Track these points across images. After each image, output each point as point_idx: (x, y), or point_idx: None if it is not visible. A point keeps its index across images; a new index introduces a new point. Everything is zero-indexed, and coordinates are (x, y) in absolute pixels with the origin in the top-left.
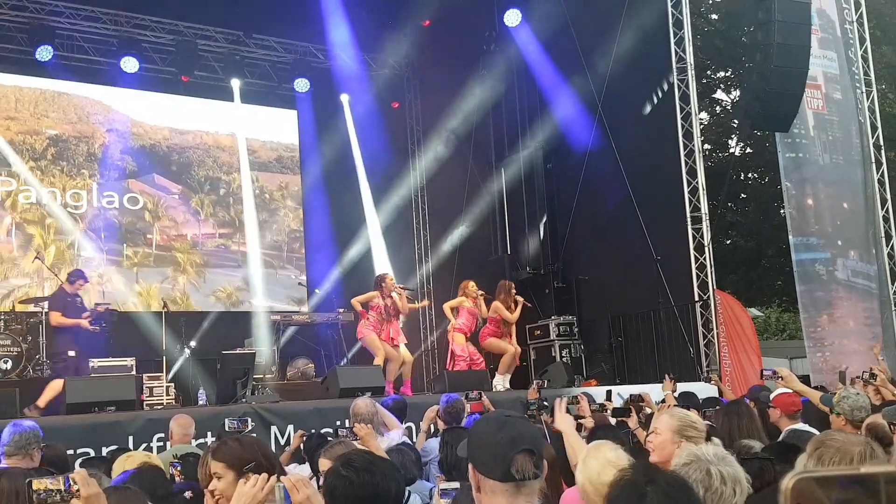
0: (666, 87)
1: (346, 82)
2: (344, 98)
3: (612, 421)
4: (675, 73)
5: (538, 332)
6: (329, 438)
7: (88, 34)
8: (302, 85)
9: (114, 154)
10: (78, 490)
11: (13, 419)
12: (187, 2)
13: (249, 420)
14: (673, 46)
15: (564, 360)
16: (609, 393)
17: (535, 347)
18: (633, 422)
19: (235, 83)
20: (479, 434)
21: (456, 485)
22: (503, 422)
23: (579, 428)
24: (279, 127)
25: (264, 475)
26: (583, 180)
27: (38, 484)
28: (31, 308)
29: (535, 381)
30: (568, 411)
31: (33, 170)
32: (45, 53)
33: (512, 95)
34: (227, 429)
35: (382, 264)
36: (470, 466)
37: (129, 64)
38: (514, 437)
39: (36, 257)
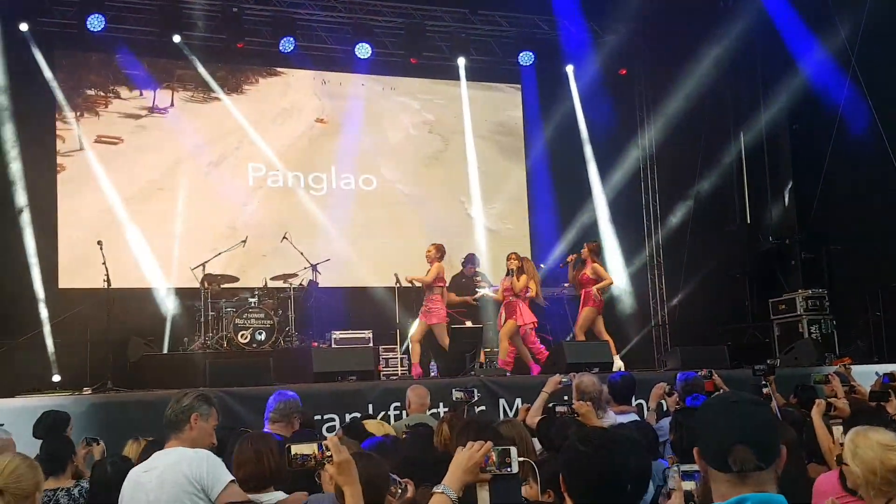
0: None
1: (571, 52)
2: (569, 69)
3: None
4: None
5: (783, 306)
6: (557, 412)
7: (326, 23)
8: (526, 58)
9: (348, 137)
10: (331, 456)
11: (268, 385)
12: None
13: (476, 390)
14: None
15: (814, 336)
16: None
17: (779, 323)
18: (893, 406)
19: (461, 61)
20: (703, 418)
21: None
22: (726, 407)
23: (830, 409)
24: (503, 102)
25: (480, 441)
26: (834, 141)
27: (296, 449)
28: (280, 284)
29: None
30: (816, 393)
31: (280, 155)
32: (287, 45)
33: (751, 54)
34: (454, 399)
35: (609, 238)
36: (696, 451)
37: (363, 50)
38: (735, 426)
39: (284, 237)
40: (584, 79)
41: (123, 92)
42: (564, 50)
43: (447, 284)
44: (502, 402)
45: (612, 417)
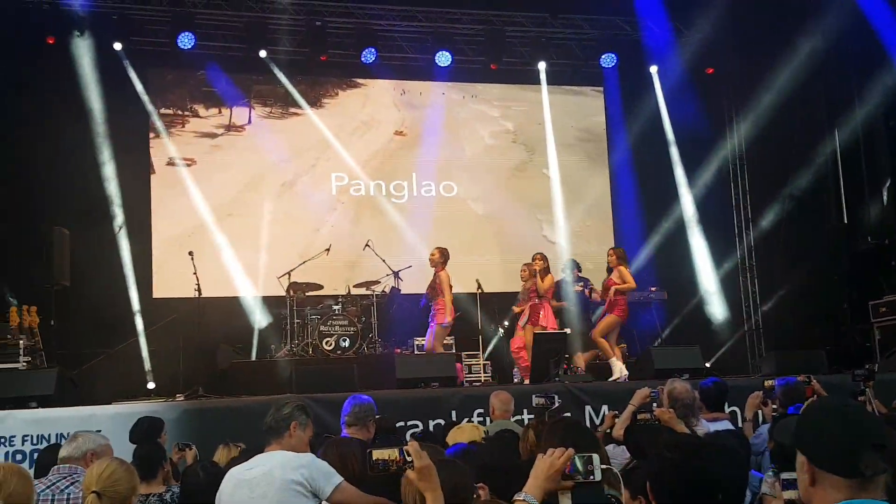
0: None
1: (654, 52)
2: (653, 69)
3: None
4: None
5: (883, 308)
6: (639, 419)
7: (406, 33)
8: (608, 60)
9: (428, 147)
10: (412, 461)
11: (351, 391)
12: None
13: (556, 396)
14: None
15: None
16: None
17: (879, 326)
18: None
19: (541, 65)
20: (816, 424)
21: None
22: (844, 412)
23: None
24: (585, 105)
25: (561, 448)
26: None
27: (378, 454)
28: (363, 291)
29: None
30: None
31: (362, 165)
32: (369, 56)
33: (843, 49)
34: (534, 404)
35: (697, 241)
36: (801, 458)
37: (443, 58)
38: (861, 431)
39: (366, 245)
40: (668, 79)
41: (209, 108)
42: (648, 50)
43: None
44: (588, 409)
45: (704, 425)
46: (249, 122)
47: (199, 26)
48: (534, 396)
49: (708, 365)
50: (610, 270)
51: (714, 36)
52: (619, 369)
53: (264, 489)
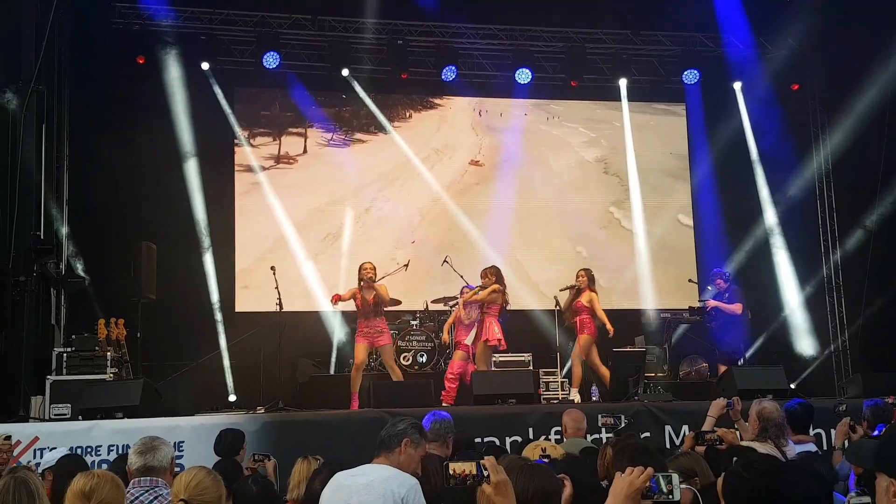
0: None
1: (738, 69)
2: (736, 85)
3: None
4: None
5: None
6: (706, 438)
7: (487, 51)
8: (691, 76)
9: (506, 170)
10: (488, 476)
11: (429, 407)
12: (577, 8)
13: (623, 416)
14: None
15: None
16: None
17: None
18: None
19: (622, 82)
20: None
21: (867, 499)
22: None
23: None
24: (667, 122)
25: (640, 467)
26: None
27: (455, 467)
28: (441, 307)
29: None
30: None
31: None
32: (449, 74)
33: None
34: (600, 424)
35: (782, 259)
36: (883, 481)
37: (523, 75)
38: None
39: (444, 261)
40: (752, 95)
41: (292, 126)
42: (731, 66)
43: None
44: (668, 428)
45: (792, 447)
46: (331, 140)
47: (284, 45)
48: (600, 416)
49: (793, 386)
50: (578, 291)
51: (800, 51)
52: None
53: (363, 498)
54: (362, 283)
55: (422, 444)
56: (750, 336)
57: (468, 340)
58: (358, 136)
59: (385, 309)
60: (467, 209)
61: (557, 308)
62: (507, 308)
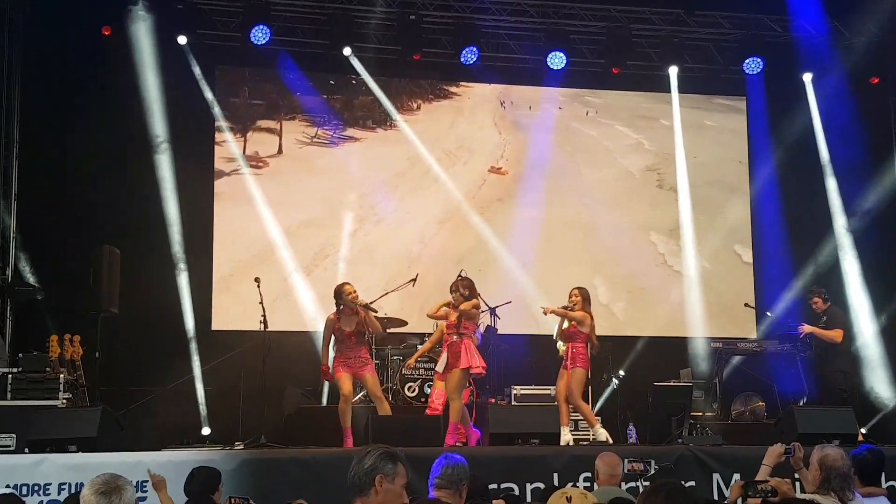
0: None
1: (808, 58)
2: (806, 77)
3: None
4: None
5: None
6: (759, 489)
7: (514, 30)
8: (753, 65)
9: (533, 173)
10: None
11: (438, 446)
12: None
13: (652, 462)
14: None
15: None
16: None
17: None
18: None
19: (673, 70)
20: None
21: None
22: None
23: None
24: (724, 118)
25: None
26: None
27: None
28: None
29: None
30: None
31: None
32: (470, 56)
33: None
34: (626, 470)
35: (854, 281)
36: None
37: (557, 59)
38: None
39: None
40: (825, 89)
41: (283, 112)
42: (800, 55)
43: None
44: (716, 477)
45: (859, 499)
46: (328, 131)
47: (276, 19)
48: (626, 461)
49: (863, 431)
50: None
51: (881, 40)
52: (605, 435)
53: None
54: (342, 309)
55: (398, 473)
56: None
57: (439, 367)
58: (356, 130)
59: (386, 332)
60: (486, 222)
61: None
62: (489, 329)
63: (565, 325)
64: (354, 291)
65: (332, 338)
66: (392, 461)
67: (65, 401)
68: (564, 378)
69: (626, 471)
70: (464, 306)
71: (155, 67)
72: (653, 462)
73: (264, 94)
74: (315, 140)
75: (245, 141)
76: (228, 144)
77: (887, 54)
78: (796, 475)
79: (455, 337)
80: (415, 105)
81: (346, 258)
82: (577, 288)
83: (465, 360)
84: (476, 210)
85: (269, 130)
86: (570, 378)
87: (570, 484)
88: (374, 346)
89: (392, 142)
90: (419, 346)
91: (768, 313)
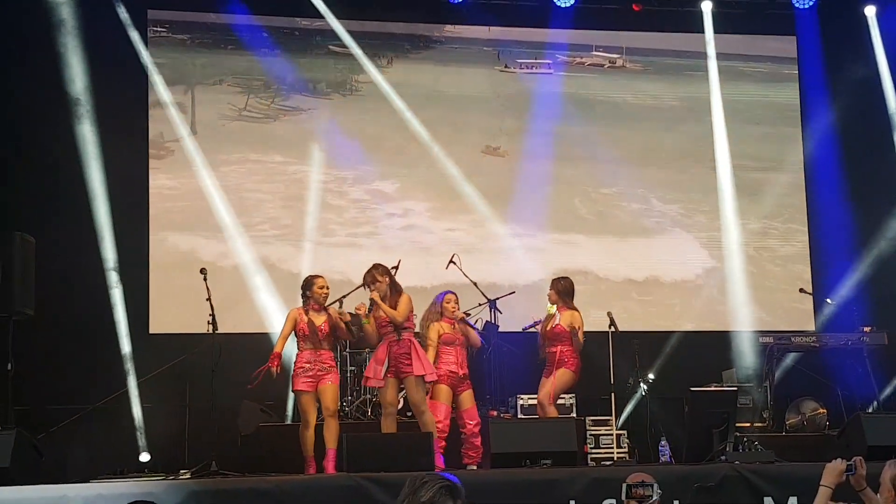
0: None
1: None
2: (869, 11)
3: None
4: None
5: None
6: None
7: None
8: None
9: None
10: None
11: (428, 471)
12: None
13: (656, 485)
14: None
15: None
16: None
17: None
18: None
19: (706, 6)
20: None
21: None
22: None
23: None
24: (770, 63)
25: None
26: None
27: None
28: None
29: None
30: None
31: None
32: None
33: None
34: (623, 498)
35: None
36: None
37: None
38: None
39: (451, 261)
40: (892, 26)
41: (231, 68)
42: None
43: None
44: (768, 501)
45: None
46: (285, 90)
47: None
48: (624, 485)
49: None
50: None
51: None
52: None
53: None
54: (311, 304)
55: None
56: None
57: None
58: (323, 90)
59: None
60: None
61: (612, 329)
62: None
63: (549, 325)
64: (326, 288)
65: (293, 334)
66: (453, 498)
67: None
68: (546, 387)
69: (623, 499)
70: (401, 309)
71: (74, 14)
72: (655, 485)
73: (209, 43)
74: (268, 99)
75: (193, 105)
76: (165, 108)
77: None
78: (862, 497)
79: (396, 336)
80: (385, 60)
81: (312, 244)
82: (556, 278)
83: (417, 367)
84: (469, 192)
85: (218, 88)
86: (555, 380)
87: None
88: (347, 350)
89: (354, 110)
90: None
91: (828, 300)
